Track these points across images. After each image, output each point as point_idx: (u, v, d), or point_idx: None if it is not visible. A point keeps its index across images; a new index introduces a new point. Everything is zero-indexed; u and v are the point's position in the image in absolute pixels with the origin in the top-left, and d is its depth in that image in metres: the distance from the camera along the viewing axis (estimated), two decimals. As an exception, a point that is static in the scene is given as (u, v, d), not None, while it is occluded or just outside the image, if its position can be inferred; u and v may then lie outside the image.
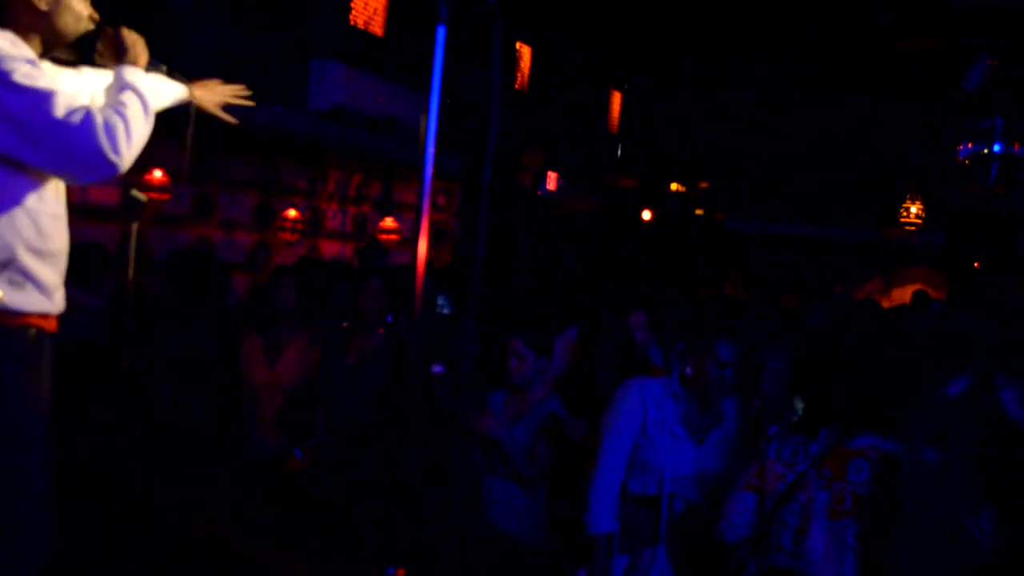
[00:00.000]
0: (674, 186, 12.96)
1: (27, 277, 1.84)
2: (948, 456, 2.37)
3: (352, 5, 7.79)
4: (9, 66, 1.74)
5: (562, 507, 3.28)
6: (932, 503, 2.39)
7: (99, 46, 2.02)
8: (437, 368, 3.50)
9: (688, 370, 2.85)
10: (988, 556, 2.38)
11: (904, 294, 10.66)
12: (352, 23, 7.80)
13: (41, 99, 1.74)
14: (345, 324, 3.89)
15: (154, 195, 6.26)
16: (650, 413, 2.83)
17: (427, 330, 3.89)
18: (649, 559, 2.79)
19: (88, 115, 1.77)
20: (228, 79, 2.51)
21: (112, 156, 1.79)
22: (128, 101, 1.88)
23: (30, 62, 1.79)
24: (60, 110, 1.75)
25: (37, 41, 1.90)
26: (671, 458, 2.80)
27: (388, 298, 3.76)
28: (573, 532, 2.94)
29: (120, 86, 1.94)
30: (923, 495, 2.38)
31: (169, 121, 2.13)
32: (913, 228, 11.73)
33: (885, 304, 9.60)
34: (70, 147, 1.76)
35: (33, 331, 1.86)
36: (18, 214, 1.81)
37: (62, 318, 1.96)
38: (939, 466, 2.37)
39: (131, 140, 1.83)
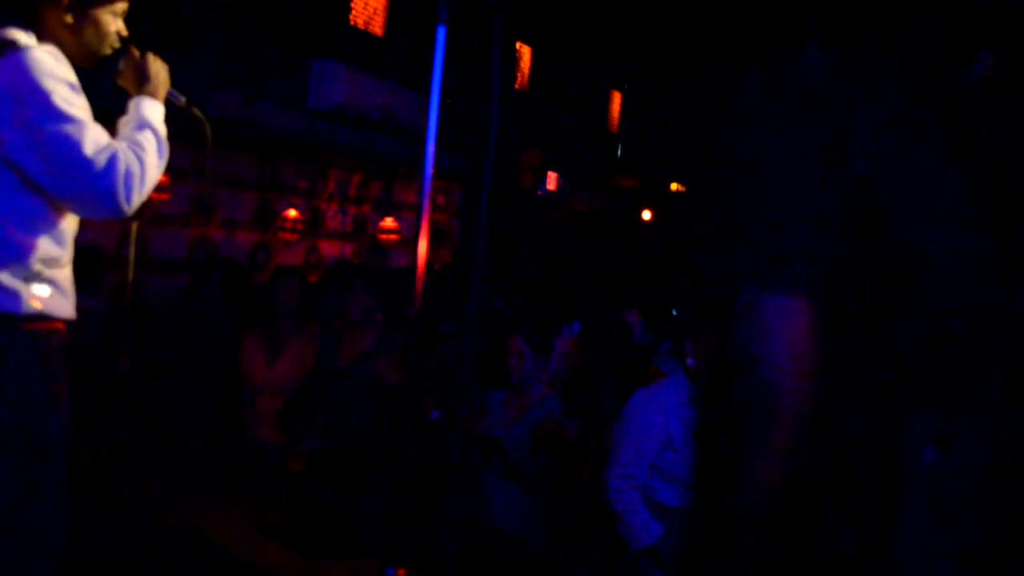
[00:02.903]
0: (674, 186, 12.96)
1: (54, 285, 1.85)
2: (948, 456, 2.37)
3: (352, 5, 7.79)
4: (51, 85, 1.71)
5: (562, 507, 3.29)
6: (932, 503, 2.39)
7: (121, 66, 1.98)
8: (434, 414, 3.42)
9: (690, 361, 2.84)
10: (987, 555, 2.38)
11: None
12: (352, 23, 7.81)
13: (74, 130, 1.71)
14: (336, 324, 3.88)
15: (154, 195, 6.26)
16: (672, 427, 2.77)
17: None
18: None
19: (114, 158, 1.74)
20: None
21: (124, 204, 1.77)
22: (147, 144, 1.86)
23: (71, 85, 1.76)
24: (89, 146, 1.72)
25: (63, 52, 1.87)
26: None
27: (374, 298, 3.74)
28: (573, 532, 2.93)
29: (139, 122, 1.90)
30: (923, 495, 2.38)
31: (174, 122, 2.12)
32: (913, 228, 11.72)
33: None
34: (89, 186, 1.73)
35: (58, 336, 1.87)
36: (44, 233, 1.81)
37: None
38: (939, 466, 2.37)
39: (144, 187, 1.82)
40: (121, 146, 1.79)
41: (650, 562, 2.70)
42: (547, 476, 3.24)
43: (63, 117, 1.71)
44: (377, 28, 8.06)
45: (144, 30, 2.04)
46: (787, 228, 1.69)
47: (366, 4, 7.94)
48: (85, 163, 1.71)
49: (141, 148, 1.83)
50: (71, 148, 1.71)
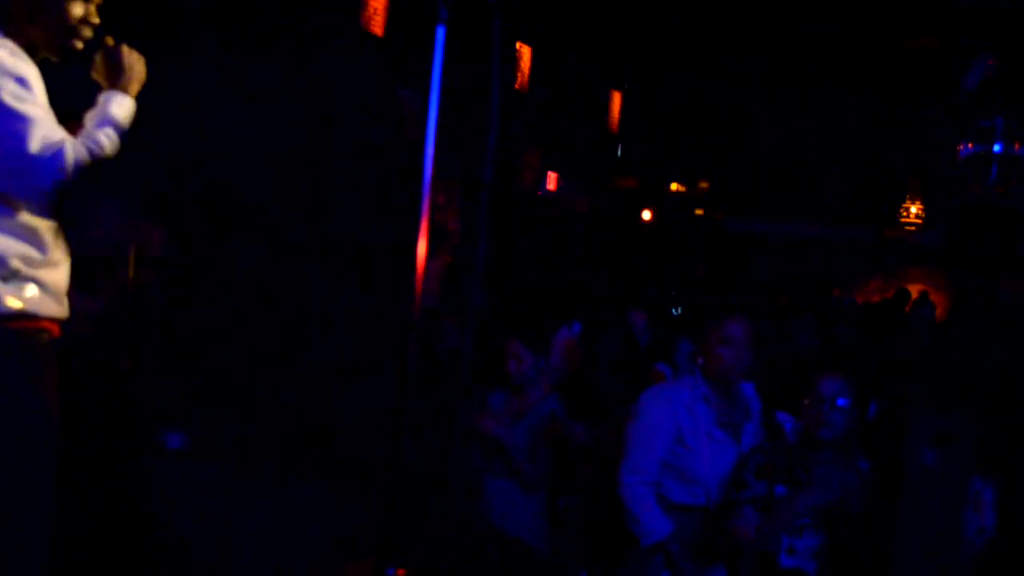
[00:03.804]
0: (674, 186, 12.96)
1: (40, 284, 1.83)
2: (948, 456, 2.37)
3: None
4: None
5: (562, 507, 3.28)
6: (932, 503, 2.39)
7: (97, 59, 1.93)
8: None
9: (700, 359, 2.82)
10: (987, 554, 2.38)
11: (904, 294, 10.67)
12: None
13: (20, 126, 1.69)
14: None
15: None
16: (683, 422, 2.75)
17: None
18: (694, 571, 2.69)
19: (60, 152, 1.72)
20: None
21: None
22: (106, 142, 1.83)
23: (19, 80, 1.73)
24: (36, 142, 1.70)
25: (28, 44, 1.84)
26: (713, 464, 2.73)
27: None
28: (574, 532, 2.93)
29: (102, 118, 1.87)
30: (923, 495, 2.38)
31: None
32: (913, 228, 11.74)
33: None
34: (35, 180, 1.72)
35: (47, 335, 1.86)
36: (17, 232, 1.78)
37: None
38: (939, 466, 2.37)
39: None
40: (74, 142, 1.76)
41: (659, 558, 2.70)
42: (547, 476, 3.23)
43: (7, 112, 1.69)
44: (377, 28, 8.05)
45: (143, 30, 2.03)
46: None
47: (366, 4, 7.93)
48: (30, 157, 1.70)
49: (99, 145, 1.81)
50: (17, 142, 1.69)
